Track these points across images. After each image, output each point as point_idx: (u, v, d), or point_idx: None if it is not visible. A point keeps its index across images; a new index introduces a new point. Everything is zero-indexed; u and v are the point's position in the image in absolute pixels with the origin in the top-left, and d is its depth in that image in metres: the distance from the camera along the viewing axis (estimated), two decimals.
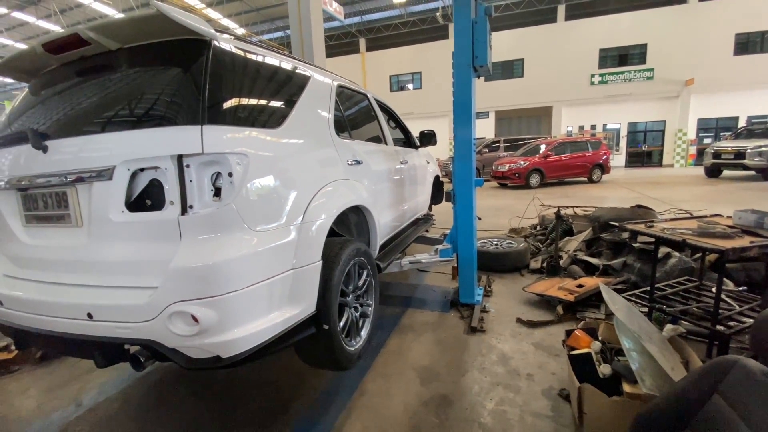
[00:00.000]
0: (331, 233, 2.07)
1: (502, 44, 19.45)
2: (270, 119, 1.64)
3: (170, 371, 2.36)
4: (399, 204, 3.07)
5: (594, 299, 2.93)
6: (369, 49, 24.21)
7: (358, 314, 2.08)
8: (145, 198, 1.37)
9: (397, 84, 24.10)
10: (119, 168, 1.32)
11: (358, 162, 2.27)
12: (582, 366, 1.82)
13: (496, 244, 4.16)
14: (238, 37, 1.71)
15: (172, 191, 1.30)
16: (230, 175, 1.34)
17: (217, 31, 1.53)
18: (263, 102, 1.67)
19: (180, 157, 1.30)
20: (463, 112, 2.84)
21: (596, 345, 1.93)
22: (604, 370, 1.75)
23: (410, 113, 21.01)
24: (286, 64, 1.95)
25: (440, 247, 3.03)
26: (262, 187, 1.45)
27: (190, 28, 1.39)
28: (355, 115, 2.68)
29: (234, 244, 1.32)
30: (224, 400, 2.06)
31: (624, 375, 1.68)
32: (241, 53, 1.63)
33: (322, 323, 1.70)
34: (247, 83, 1.60)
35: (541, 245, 4.34)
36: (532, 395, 1.97)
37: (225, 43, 1.54)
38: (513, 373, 2.17)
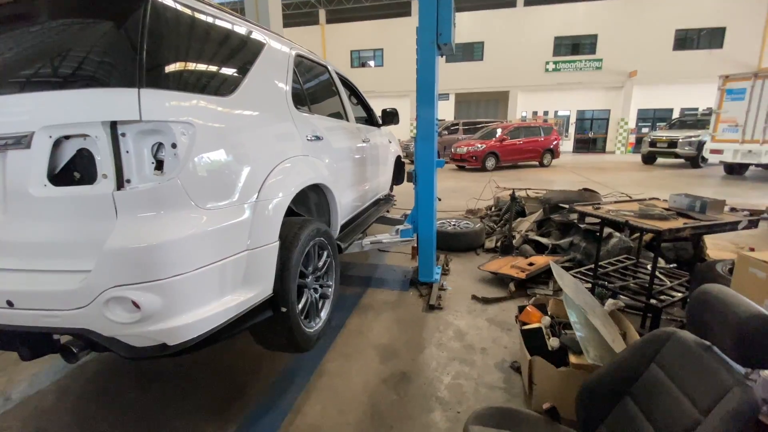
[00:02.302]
0: (290, 213, 1.99)
1: (464, 26, 19.48)
2: (220, 86, 1.50)
3: (112, 359, 2.19)
4: (360, 183, 3.01)
5: (543, 277, 3.10)
6: (329, 21, 23.23)
7: (317, 295, 2.03)
8: (73, 170, 1.20)
9: (359, 60, 23.46)
10: (39, 134, 1.15)
11: (318, 138, 2.17)
12: (533, 340, 1.92)
13: (454, 225, 4.25)
14: None
15: (104, 163, 1.15)
16: (174, 146, 1.21)
17: None
18: (212, 67, 1.52)
19: (114, 124, 1.14)
20: (426, 92, 2.80)
21: (546, 320, 2.03)
22: (553, 343, 1.85)
23: (372, 91, 20.53)
24: (239, 27, 1.78)
25: (401, 227, 3.03)
26: (212, 161, 1.33)
27: None
28: (314, 88, 2.55)
29: (179, 222, 1.21)
30: (174, 388, 1.96)
31: (571, 347, 1.79)
32: (187, 10, 1.45)
33: (279, 306, 1.63)
34: (193, 44, 1.44)
35: (495, 225, 4.49)
36: (486, 368, 2.06)
37: None
38: (468, 348, 2.25)
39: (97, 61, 1.23)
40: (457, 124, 15.38)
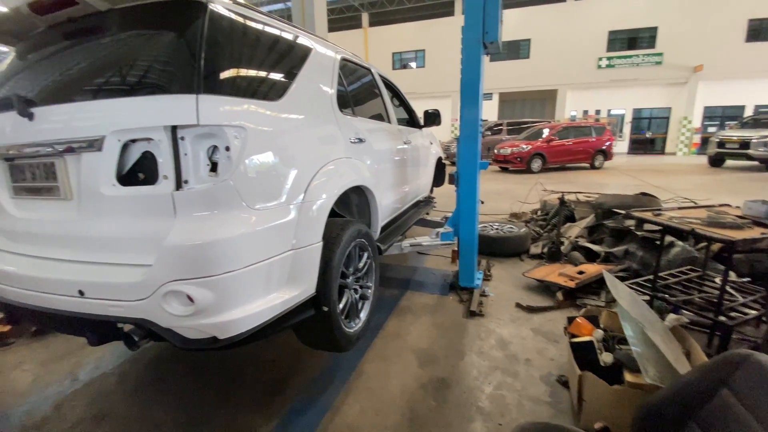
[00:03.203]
0: (332, 214, 2.02)
1: (509, 23, 18.90)
2: (270, 91, 1.55)
3: (167, 347, 2.34)
4: (401, 185, 3.01)
5: (594, 286, 2.92)
6: (372, 24, 23.51)
7: (357, 296, 2.05)
8: (138, 171, 1.30)
9: (400, 62, 23.54)
10: (109, 138, 1.25)
11: (360, 140, 2.19)
12: (583, 353, 1.81)
13: (497, 229, 4.12)
14: (236, 2, 1.60)
15: (166, 165, 1.23)
16: (227, 149, 1.27)
17: None
18: (262, 72, 1.58)
19: (174, 129, 1.22)
20: (470, 91, 2.74)
21: (598, 333, 1.91)
22: (606, 358, 1.73)
23: (413, 93, 20.47)
24: (288, 34, 1.84)
25: (441, 230, 2.98)
26: (261, 164, 1.38)
27: None
28: (358, 91, 2.58)
29: (232, 222, 1.27)
30: (221, 378, 2.05)
31: (626, 364, 1.67)
32: (240, 19, 1.52)
33: (321, 305, 1.66)
34: (245, 51, 1.50)
35: (542, 231, 4.30)
36: (530, 380, 1.96)
37: (222, 7, 1.44)
38: (511, 358, 2.16)
39: (160, 70, 1.32)
40: (500, 125, 14.96)
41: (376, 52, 23.26)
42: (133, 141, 1.26)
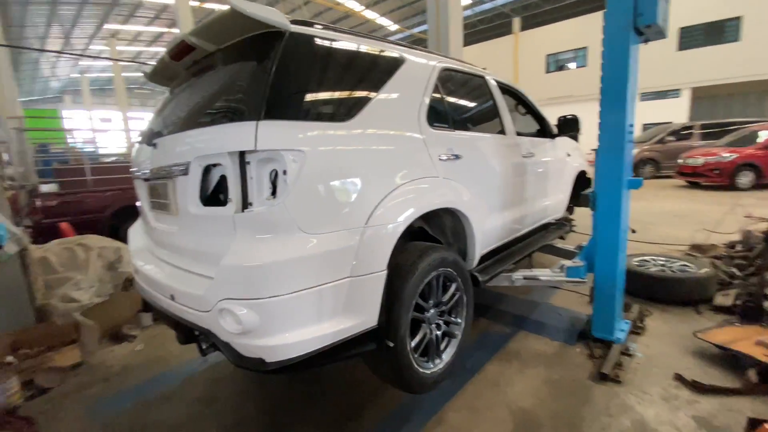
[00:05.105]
0: (424, 237, 1.85)
1: (705, 1, 14.96)
2: (341, 112, 1.50)
3: None
4: (515, 206, 2.58)
5: None
6: (524, 28, 22.11)
7: (440, 333, 1.81)
8: (219, 193, 1.42)
9: (555, 63, 21.37)
10: (193, 164, 1.40)
11: (456, 156, 1.94)
12: None
13: (663, 265, 3.15)
14: (325, 26, 1.62)
15: (233, 187, 1.31)
16: (284, 173, 1.27)
17: (294, 22, 1.47)
18: (334, 94, 1.54)
19: (242, 154, 1.28)
20: (613, 91, 2.17)
21: None
22: None
23: (569, 96, 18.32)
24: (372, 51, 1.77)
25: (568, 263, 2.41)
26: (320, 188, 1.33)
27: (262, 20, 1.36)
28: (462, 102, 2.33)
29: (283, 246, 1.25)
30: (308, 389, 2.11)
31: None
32: (317, 42, 1.53)
33: (385, 339, 1.50)
34: (318, 74, 1.49)
35: (738, 273, 3.09)
36: None
37: (300, 34, 1.46)
38: None
39: (237, 98, 1.42)
40: (690, 128, 11.82)
41: (527, 57, 21.75)
42: (214, 165, 1.39)
